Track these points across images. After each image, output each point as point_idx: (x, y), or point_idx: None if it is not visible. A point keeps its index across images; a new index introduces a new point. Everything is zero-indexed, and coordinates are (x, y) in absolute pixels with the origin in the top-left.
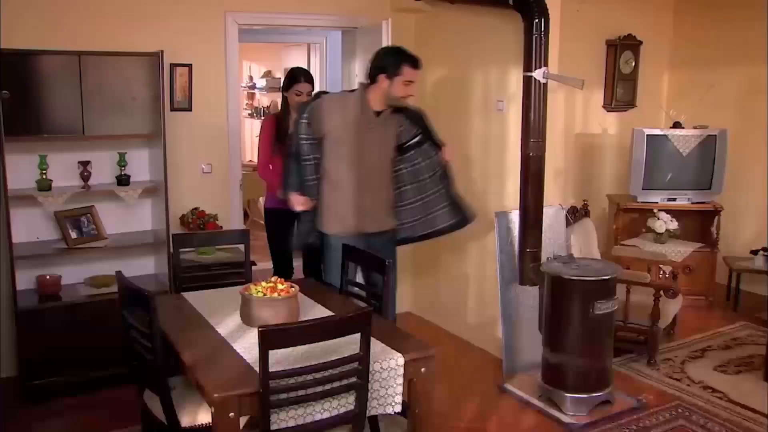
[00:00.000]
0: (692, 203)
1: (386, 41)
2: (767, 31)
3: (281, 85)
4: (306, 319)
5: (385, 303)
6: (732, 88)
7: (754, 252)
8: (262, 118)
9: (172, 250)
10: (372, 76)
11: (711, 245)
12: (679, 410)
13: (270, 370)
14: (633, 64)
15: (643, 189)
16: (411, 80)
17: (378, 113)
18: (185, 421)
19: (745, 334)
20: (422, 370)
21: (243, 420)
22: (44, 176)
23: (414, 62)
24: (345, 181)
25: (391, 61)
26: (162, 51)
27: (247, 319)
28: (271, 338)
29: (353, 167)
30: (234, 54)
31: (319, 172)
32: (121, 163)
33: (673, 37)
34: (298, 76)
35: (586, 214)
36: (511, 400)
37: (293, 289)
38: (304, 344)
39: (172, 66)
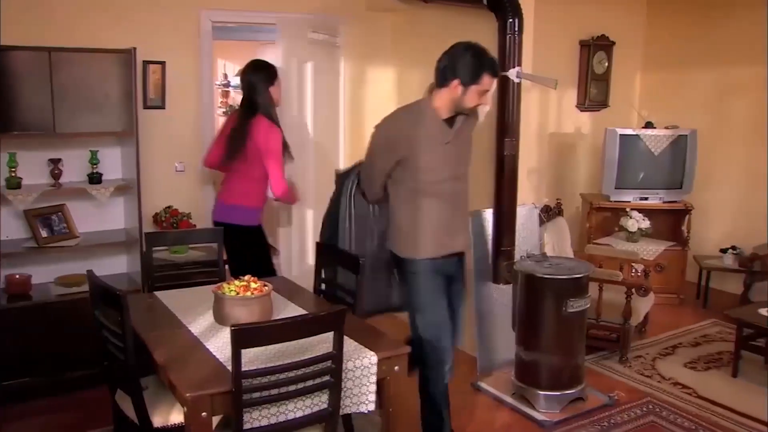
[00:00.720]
0: (664, 202)
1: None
2: None
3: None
4: (279, 317)
5: (358, 301)
6: (702, 89)
7: (724, 250)
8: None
9: (144, 248)
10: (443, 77)
11: (682, 244)
12: (650, 406)
13: (243, 369)
14: (606, 64)
15: (615, 188)
16: (488, 90)
17: (450, 121)
18: (157, 421)
19: (715, 331)
20: (395, 368)
21: (216, 419)
22: (13, 174)
23: (495, 70)
24: (433, 201)
25: (470, 68)
26: (135, 48)
27: (219, 318)
28: (243, 337)
29: (439, 185)
30: (208, 52)
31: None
32: (93, 161)
33: (646, 38)
34: (274, 69)
35: (560, 212)
36: (485, 398)
37: (266, 287)
38: (277, 343)
39: (145, 63)
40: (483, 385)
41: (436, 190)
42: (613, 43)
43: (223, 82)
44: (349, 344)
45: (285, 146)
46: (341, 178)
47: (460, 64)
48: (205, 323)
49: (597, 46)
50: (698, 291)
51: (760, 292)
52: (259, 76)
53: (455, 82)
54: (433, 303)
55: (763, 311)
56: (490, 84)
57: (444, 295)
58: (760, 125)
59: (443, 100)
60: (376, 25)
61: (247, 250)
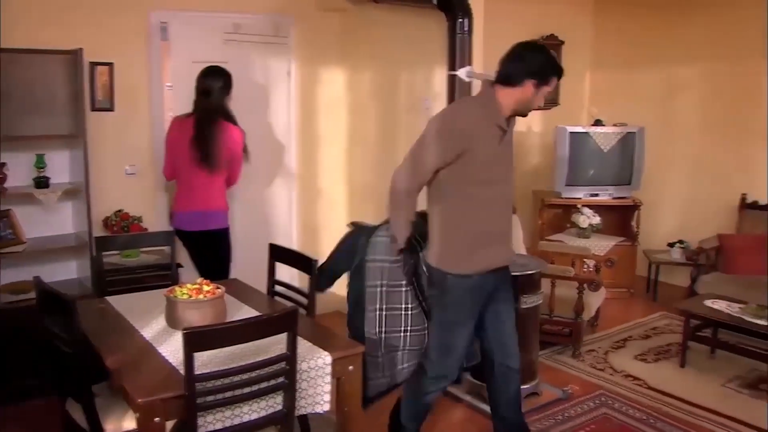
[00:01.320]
0: (613, 198)
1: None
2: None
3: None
4: (233, 320)
5: (312, 302)
6: (649, 87)
7: (671, 245)
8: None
9: (94, 253)
10: (515, 77)
11: (631, 239)
12: (603, 399)
13: (196, 372)
14: None
15: (566, 185)
16: (551, 91)
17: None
18: (110, 429)
19: (664, 324)
20: (350, 368)
21: (169, 424)
22: None
23: (561, 73)
24: (485, 204)
25: (543, 69)
26: (81, 49)
27: (172, 321)
28: (196, 340)
29: (493, 186)
30: (157, 53)
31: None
32: (40, 164)
33: (594, 37)
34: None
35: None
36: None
37: (219, 290)
38: (230, 345)
39: (92, 64)
40: None
41: (490, 193)
42: (563, 42)
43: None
44: (303, 345)
45: (245, 148)
46: (363, 234)
47: (535, 65)
48: (158, 327)
49: (547, 46)
50: (648, 285)
51: (706, 285)
52: (219, 83)
53: (530, 82)
54: (460, 324)
55: (708, 303)
56: (554, 85)
57: (475, 316)
58: (704, 122)
59: (510, 99)
60: (326, 25)
61: (223, 252)
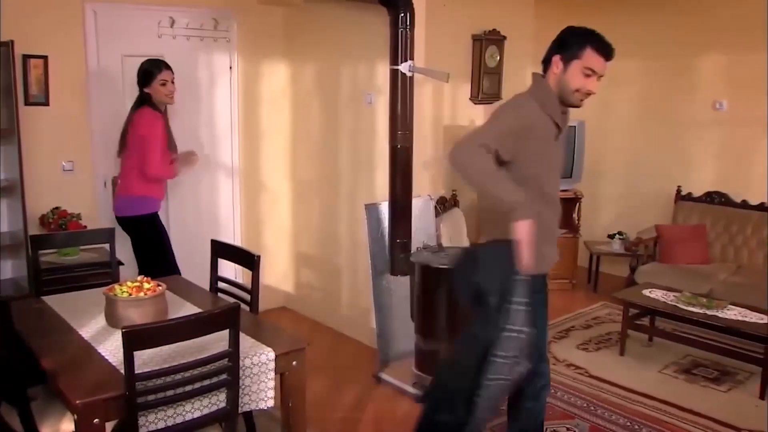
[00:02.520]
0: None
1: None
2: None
3: (138, 80)
4: (174, 317)
5: (255, 298)
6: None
7: (611, 236)
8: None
9: (30, 252)
10: (546, 59)
11: (573, 231)
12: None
13: (136, 371)
14: (498, 58)
15: None
16: (593, 70)
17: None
18: None
19: (605, 313)
20: (293, 363)
21: (110, 425)
22: None
23: (605, 48)
24: (542, 205)
25: (572, 39)
26: (12, 41)
27: (112, 320)
28: (135, 338)
29: (549, 186)
30: (94, 45)
31: None
32: None
33: (535, 33)
34: (158, 64)
35: (456, 204)
36: (386, 389)
37: (160, 287)
38: (171, 343)
39: (25, 57)
40: (384, 376)
41: (547, 194)
42: (504, 37)
43: None
44: (246, 341)
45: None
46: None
47: (563, 38)
48: (97, 327)
49: (489, 41)
50: (589, 275)
51: (644, 274)
52: (142, 73)
53: (556, 57)
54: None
55: (646, 292)
56: (596, 62)
57: None
58: (642, 117)
59: (552, 85)
60: (268, 19)
61: (140, 241)
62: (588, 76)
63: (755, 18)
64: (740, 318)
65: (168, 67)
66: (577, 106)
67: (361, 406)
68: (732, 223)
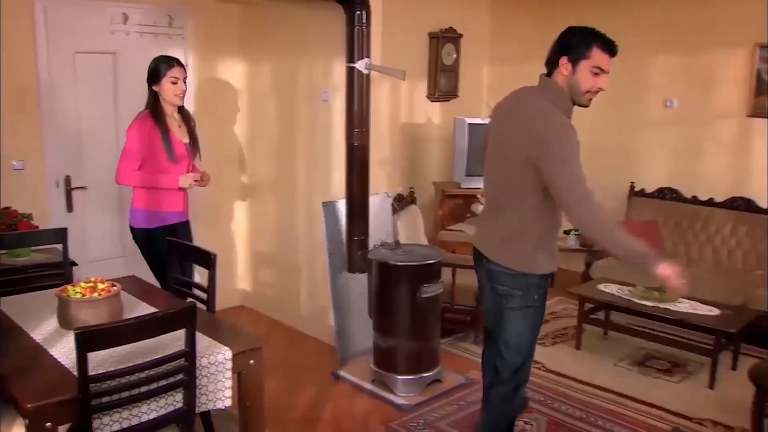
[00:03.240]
0: None
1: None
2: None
3: (147, 78)
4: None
5: (211, 297)
6: None
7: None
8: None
9: None
10: (551, 62)
11: None
12: None
13: (90, 373)
14: (454, 56)
15: (466, 175)
16: (601, 68)
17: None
18: None
19: (561, 308)
20: (251, 362)
21: (63, 429)
22: None
23: (610, 46)
24: (557, 208)
25: (578, 40)
26: None
27: (65, 322)
28: (88, 340)
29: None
30: (44, 42)
31: None
32: None
33: (491, 31)
34: (170, 60)
35: (413, 201)
36: (345, 386)
37: (115, 287)
38: (126, 344)
39: None
40: (343, 373)
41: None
42: (461, 35)
43: None
44: (202, 340)
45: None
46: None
47: (566, 39)
48: (50, 329)
49: (445, 39)
50: None
51: (599, 270)
52: (152, 69)
53: (563, 59)
54: (540, 324)
55: (601, 287)
56: (603, 60)
57: None
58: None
59: (563, 86)
60: (224, 16)
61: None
62: (597, 74)
63: (703, 19)
64: (691, 311)
65: (180, 65)
66: (586, 106)
67: (320, 405)
68: (683, 218)
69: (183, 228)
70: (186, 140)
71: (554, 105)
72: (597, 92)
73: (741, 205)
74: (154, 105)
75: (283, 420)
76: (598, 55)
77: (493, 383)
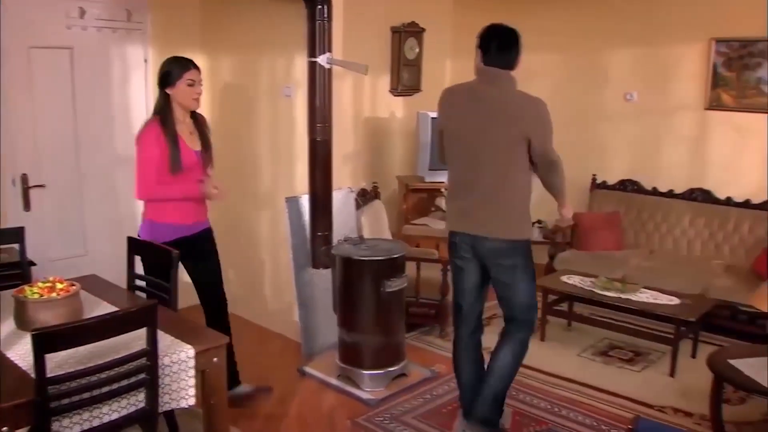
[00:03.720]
0: None
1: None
2: None
3: (158, 81)
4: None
5: (173, 295)
6: None
7: None
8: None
9: None
10: (514, 61)
11: None
12: None
13: (49, 374)
14: (417, 50)
15: (429, 169)
16: None
17: None
18: None
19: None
20: (214, 360)
21: None
22: None
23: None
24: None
25: (519, 45)
26: None
27: (22, 323)
28: (46, 341)
29: None
30: None
31: None
32: None
33: (453, 25)
34: (186, 62)
35: (376, 195)
36: (311, 382)
37: (74, 287)
38: (86, 344)
39: None
40: (308, 369)
41: None
42: (423, 29)
43: None
44: (165, 339)
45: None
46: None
47: (520, 42)
48: (6, 331)
49: (408, 33)
50: None
51: (563, 261)
52: (164, 72)
53: (519, 59)
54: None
55: (565, 278)
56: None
57: None
58: (559, 107)
59: None
60: (184, 10)
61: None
62: None
63: (661, 14)
64: (652, 300)
65: (196, 66)
66: None
67: (286, 401)
68: (644, 209)
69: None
70: (197, 148)
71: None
72: None
73: (699, 196)
74: (165, 110)
75: (248, 417)
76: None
77: (508, 333)
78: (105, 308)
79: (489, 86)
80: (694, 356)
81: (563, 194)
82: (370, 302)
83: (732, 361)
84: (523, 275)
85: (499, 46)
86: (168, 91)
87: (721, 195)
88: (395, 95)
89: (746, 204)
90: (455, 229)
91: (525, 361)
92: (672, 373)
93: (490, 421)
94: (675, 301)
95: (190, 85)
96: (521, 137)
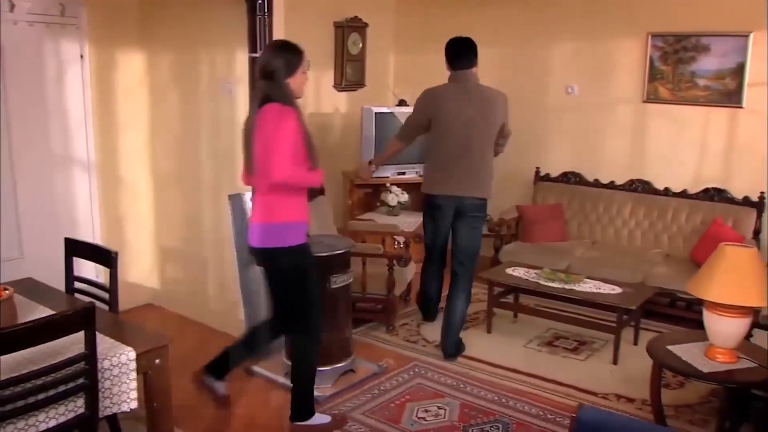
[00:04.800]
0: (419, 176)
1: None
2: None
3: (283, 68)
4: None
5: (114, 297)
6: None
7: None
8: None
9: None
10: (476, 60)
11: None
12: (417, 369)
13: None
14: (360, 45)
15: None
16: None
17: None
18: None
19: (473, 293)
20: (156, 361)
21: None
22: None
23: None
24: None
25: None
26: None
27: None
28: None
29: None
30: None
31: None
32: None
33: (396, 20)
34: (300, 50)
35: (322, 192)
36: (258, 381)
37: (7, 291)
38: (19, 350)
39: None
40: (256, 368)
41: None
42: (366, 24)
43: None
44: (104, 342)
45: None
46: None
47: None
48: None
49: (351, 28)
50: None
51: (508, 254)
52: (279, 61)
53: (476, 61)
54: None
55: (510, 271)
56: None
57: None
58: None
59: None
60: (121, 5)
61: (272, 283)
62: None
63: (600, 8)
64: (595, 290)
65: None
66: None
67: (233, 401)
68: (586, 201)
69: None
70: None
71: None
72: None
73: (639, 187)
74: (291, 100)
75: (195, 418)
76: None
77: (458, 284)
78: (42, 312)
79: (467, 83)
80: (636, 343)
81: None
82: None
83: (670, 347)
84: (482, 225)
85: (465, 52)
86: (289, 81)
87: (660, 186)
88: (339, 90)
89: (683, 194)
90: (440, 192)
91: (472, 354)
92: (615, 361)
93: (456, 354)
94: (617, 290)
95: (304, 73)
96: (499, 121)
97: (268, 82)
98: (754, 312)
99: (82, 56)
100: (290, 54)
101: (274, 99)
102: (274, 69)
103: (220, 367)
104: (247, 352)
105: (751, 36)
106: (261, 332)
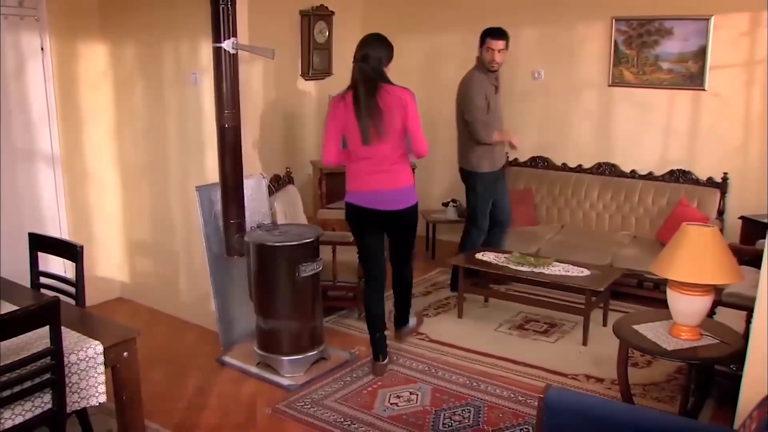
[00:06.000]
0: None
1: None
2: None
3: (388, 57)
4: None
5: (80, 291)
6: (416, 55)
7: (445, 204)
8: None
9: None
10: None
11: None
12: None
13: None
14: (327, 33)
15: None
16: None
17: None
18: None
19: (443, 279)
20: (124, 354)
21: None
22: None
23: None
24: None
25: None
26: None
27: None
28: None
29: None
30: None
31: None
32: None
33: (363, 8)
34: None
35: (290, 181)
36: (230, 372)
37: None
38: None
39: None
40: (227, 359)
41: None
42: (332, 13)
43: None
44: (70, 336)
45: None
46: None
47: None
48: None
49: (317, 16)
50: (426, 243)
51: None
52: (386, 52)
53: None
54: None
55: (479, 256)
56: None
57: None
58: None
59: None
60: None
61: (412, 232)
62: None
63: None
64: (563, 273)
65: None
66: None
67: (205, 392)
68: (555, 185)
69: None
70: None
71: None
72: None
73: (606, 170)
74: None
75: (167, 411)
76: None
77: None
78: (6, 309)
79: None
80: (605, 325)
81: None
82: (286, 288)
83: (636, 327)
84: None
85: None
86: (389, 67)
87: (627, 168)
88: (307, 79)
89: (649, 176)
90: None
91: (443, 339)
92: (585, 342)
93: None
94: (585, 272)
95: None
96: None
97: (374, 67)
98: (716, 290)
99: (42, 49)
100: (387, 45)
101: (384, 81)
102: (381, 57)
103: (400, 319)
104: (403, 294)
105: (712, 19)
106: (396, 278)
